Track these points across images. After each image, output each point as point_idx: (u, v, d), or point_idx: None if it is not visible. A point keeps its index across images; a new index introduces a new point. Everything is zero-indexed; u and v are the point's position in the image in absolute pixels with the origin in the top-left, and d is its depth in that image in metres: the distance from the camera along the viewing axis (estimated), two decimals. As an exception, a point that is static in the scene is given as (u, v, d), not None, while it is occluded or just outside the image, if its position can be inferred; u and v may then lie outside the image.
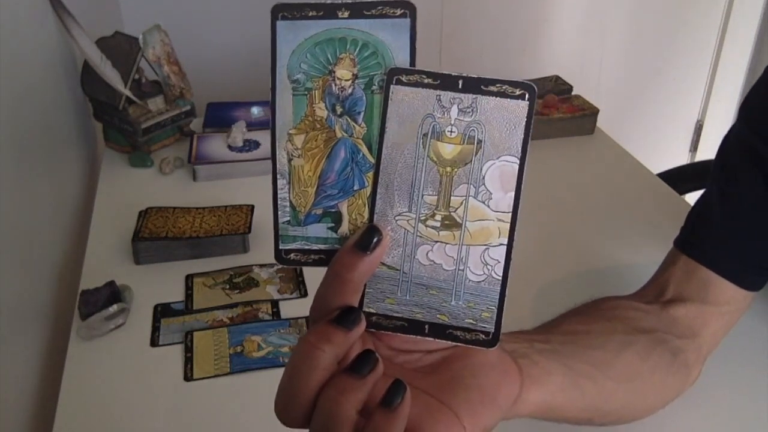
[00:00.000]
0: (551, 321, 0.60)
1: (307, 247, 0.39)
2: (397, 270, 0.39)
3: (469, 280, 0.39)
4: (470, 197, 0.37)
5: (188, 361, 0.81)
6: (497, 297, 0.39)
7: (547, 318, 0.61)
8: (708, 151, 2.50)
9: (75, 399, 0.76)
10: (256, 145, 1.26)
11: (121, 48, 1.22)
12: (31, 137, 0.96)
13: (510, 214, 0.37)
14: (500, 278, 0.38)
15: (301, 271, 0.96)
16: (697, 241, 0.65)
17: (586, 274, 0.98)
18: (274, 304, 0.90)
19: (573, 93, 1.46)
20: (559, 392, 0.48)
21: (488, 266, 0.38)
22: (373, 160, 0.38)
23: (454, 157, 0.37)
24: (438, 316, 0.39)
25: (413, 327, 0.39)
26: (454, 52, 2.16)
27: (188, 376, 0.79)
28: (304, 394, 0.35)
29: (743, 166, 0.63)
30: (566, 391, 0.49)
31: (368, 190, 0.38)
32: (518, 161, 0.37)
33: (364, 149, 0.38)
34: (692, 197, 0.70)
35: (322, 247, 0.39)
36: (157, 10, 1.84)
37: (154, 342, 0.84)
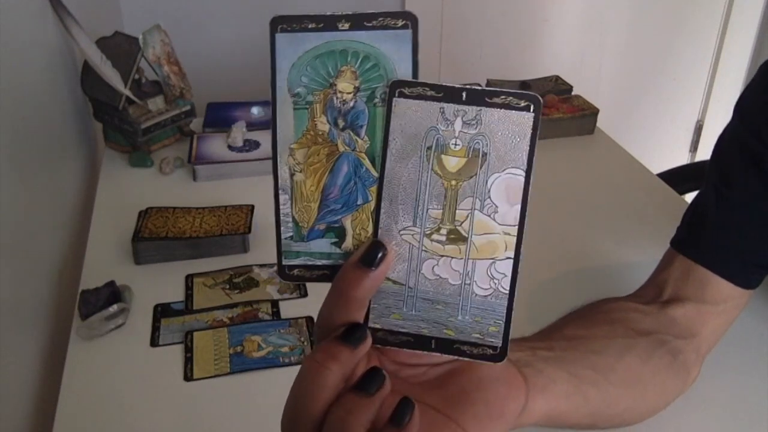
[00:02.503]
0: (551, 325, 0.59)
1: (310, 263, 0.39)
2: (403, 285, 0.38)
3: (476, 295, 0.38)
4: (476, 211, 0.37)
5: (188, 361, 0.81)
6: (504, 311, 0.38)
7: (546, 318, 0.60)
8: (708, 151, 2.48)
9: (75, 399, 0.76)
10: (256, 145, 1.26)
11: (121, 48, 1.22)
12: (31, 137, 0.96)
13: (516, 227, 0.37)
14: (507, 292, 0.38)
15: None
16: (693, 240, 0.65)
17: (585, 274, 0.98)
18: (274, 304, 0.90)
19: (573, 93, 1.46)
20: (563, 399, 0.48)
21: (495, 280, 0.38)
22: (376, 174, 0.37)
23: (458, 170, 0.36)
24: (444, 331, 0.39)
25: (419, 342, 0.39)
26: (454, 53, 2.16)
27: (188, 376, 0.79)
28: (311, 414, 0.35)
29: (738, 165, 0.63)
30: (570, 398, 0.49)
31: (372, 204, 0.38)
32: (524, 174, 0.36)
33: (367, 163, 0.37)
34: (692, 197, 0.71)
35: (325, 262, 0.39)
36: (157, 10, 1.84)
37: (154, 342, 0.84)
